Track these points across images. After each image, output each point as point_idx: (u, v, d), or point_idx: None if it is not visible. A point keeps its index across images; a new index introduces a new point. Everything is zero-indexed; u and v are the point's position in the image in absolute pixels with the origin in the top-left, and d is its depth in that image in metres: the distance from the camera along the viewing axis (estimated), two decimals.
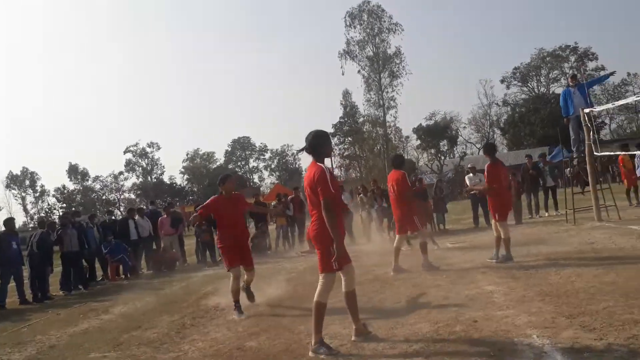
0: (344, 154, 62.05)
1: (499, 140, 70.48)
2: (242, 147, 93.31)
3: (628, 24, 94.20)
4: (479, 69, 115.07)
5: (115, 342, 6.05)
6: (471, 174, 15.61)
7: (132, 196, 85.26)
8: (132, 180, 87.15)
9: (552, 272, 6.69)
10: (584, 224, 11.76)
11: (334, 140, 62.43)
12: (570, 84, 12.97)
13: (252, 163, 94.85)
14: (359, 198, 16.01)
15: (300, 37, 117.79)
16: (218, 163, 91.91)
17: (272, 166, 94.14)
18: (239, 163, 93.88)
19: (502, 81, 69.19)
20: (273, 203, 17.24)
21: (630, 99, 26.26)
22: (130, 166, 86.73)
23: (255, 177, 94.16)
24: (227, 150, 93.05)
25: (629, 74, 67.76)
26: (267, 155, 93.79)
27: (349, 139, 61.82)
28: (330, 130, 62.92)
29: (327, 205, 4.44)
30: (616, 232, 9.55)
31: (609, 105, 18.87)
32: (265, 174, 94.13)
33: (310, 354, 4.45)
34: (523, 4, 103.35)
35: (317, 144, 4.75)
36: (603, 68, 64.90)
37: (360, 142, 56.41)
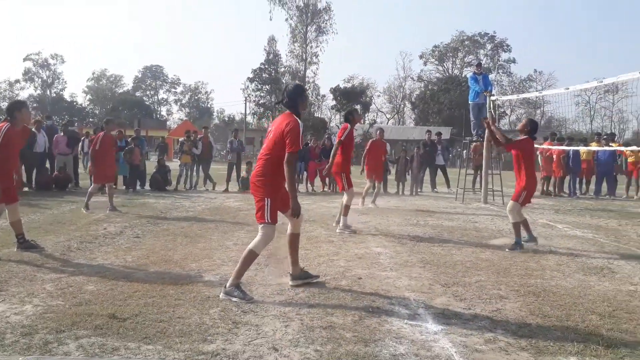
0: (259, 102, 61.26)
1: (408, 114, 72.79)
2: (153, 75, 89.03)
3: (543, 24, 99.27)
4: (402, 41, 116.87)
5: None
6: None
7: None
8: (29, 91, 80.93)
9: (436, 243, 7.16)
10: (471, 203, 12.60)
11: (252, 86, 61.49)
12: (476, 71, 13.63)
13: (162, 94, 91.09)
14: None
15: None
16: (125, 88, 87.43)
17: (183, 101, 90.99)
18: (147, 92, 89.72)
19: (420, 57, 71.15)
20: (181, 139, 16.79)
21: (532, 94, 28.06)
22: (29, 75, 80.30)
23: (164, 110, 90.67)
24: (136, 77, 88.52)
25: (535, 71, 72.15)
26: (179, 89, 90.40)
27: (267, 87, 61.02)
28: (249, 74, 61.81)
29: (292, 158, 4.43)
30: (498, 215, 10.34)
31: (513, 97, 20.05)
32: (175, 108, 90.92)
33: (221, 295, 4.39)
34: None
35: (297, 96, 4.71)
36: (514, 61, 68.68)
37: (278, 92, 56.01)
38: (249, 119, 66.64)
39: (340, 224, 8.05)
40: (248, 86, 62.49)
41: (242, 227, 8.26)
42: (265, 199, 4.48)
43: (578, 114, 69.70)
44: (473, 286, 4.95)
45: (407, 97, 72.81)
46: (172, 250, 6.36)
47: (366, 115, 65.45)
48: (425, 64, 71.57)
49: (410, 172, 15.69)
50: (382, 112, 72.56)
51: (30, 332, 3.51)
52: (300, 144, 4.45)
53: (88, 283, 4.77)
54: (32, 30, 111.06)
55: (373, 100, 67.32)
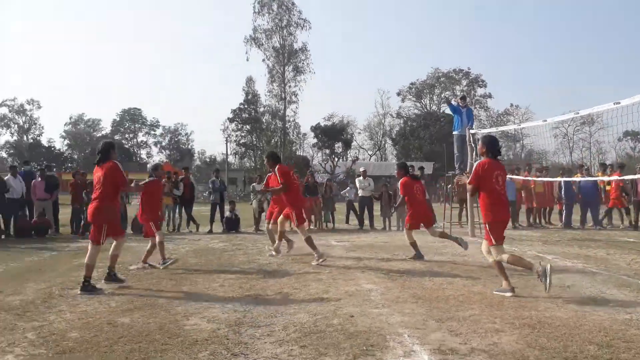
0: (240, 141, 61.58)
1: (390, 150, 73.51)
2: (132, 118, 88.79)
3: (518, 59, 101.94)
4: (379, 79, 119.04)
5: None
6: (361, 177, 16.12)
7: (4, 154, 78.52)
8: (5, 137, 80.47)
9: (427, 278, 7.07)
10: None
11: (232, 126, 62.15)
12: (461, 104, 13.75)
13: (141, 137, 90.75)
14: (251, 187, 15.99)
15: (203, 15, 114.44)
16: (104, 132, 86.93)
17: (163, 144, 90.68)
18: (126, 135, 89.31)
19: (398, 94, 72.18)
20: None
21: (511, 127, 28.53)
22: (4, 122, 79.87)
23: (143, 153, 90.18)
24: (114, 120, 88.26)
25: (511, 105, 73.46)
26: (159, 132, 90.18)
27: (247, 127, 61.40)
28: (229, 115, 62.46)
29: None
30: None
31: (492, 130, 20.25)
32: (155, 150, 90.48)
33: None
34: (431, 23, 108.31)
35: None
36: (490, 96, 69.94)
37: (258, 131, 56.31)
38: (231, 159, 66.73)
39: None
40: (228, 126, 63.03)
41: (227, 268, 8.10)
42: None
43: (557, 146, 70.84)
44: (467, 320, 4.85)
45: (387, 133, 73.64)
46: (157, 293, 6.17)
47: (348, 152, 65.97)
48: (403, 100, 72.62)
49: (394, 207, 15.65)
50: (363, 148, 73.15)
51: None
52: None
53: (71, 330, 4.57)
54: (6, 75, 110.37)
55: (354, 137, 67.93)
